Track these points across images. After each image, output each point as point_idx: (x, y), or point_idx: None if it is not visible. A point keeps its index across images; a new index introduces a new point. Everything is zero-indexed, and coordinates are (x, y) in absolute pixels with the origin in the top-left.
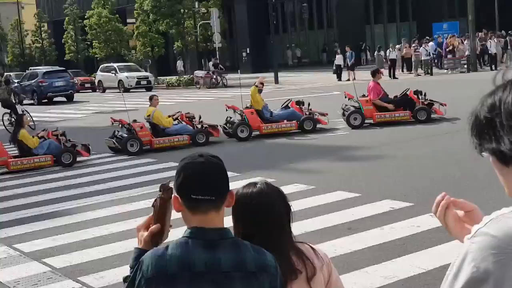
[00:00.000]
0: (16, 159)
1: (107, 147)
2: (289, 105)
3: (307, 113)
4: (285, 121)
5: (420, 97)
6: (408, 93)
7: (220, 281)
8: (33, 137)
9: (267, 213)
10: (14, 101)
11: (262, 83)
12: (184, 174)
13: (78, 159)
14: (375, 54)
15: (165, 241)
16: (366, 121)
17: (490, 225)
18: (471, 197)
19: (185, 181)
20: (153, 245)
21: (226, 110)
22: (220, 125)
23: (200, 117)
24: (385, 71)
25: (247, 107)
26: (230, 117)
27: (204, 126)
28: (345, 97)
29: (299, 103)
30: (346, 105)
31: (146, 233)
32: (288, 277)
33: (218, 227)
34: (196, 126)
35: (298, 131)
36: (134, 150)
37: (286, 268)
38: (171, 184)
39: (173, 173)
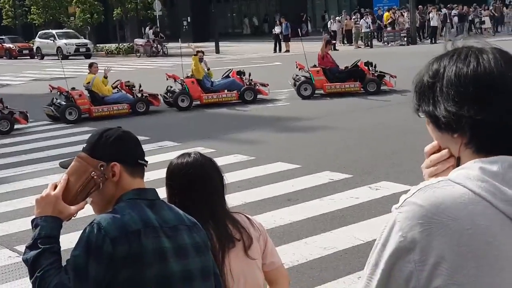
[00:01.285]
0: None
1: (45, 115)
2: (230, 75)
3: (248, 83)
4: (225, 91)
5: (370, 69)
6: (358, 64)
7: (172, 234)
8: None
9: (202, 182)
10: None
11: (202, 52)
12: (129, 141)
13: (16, 126)
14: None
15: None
16: (316, 91)
17: (418, 195)
18: (408, 169)
19: (132, 147)
20: (67, 219)
21: (167, 79)
22: (161, 94)
23: (140, 86)
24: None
25: (187, 77)
26: (171, 87)
27: (144, 95)
28: (296, 67)
29: (240, 73)
30: (297, 75)
31: (67, 206)
32: (225, 245)
33: (151, 188)
34: (136, 95)
35: (239, 102)
36: (73, 118)
37: (223, 236)
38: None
39: None
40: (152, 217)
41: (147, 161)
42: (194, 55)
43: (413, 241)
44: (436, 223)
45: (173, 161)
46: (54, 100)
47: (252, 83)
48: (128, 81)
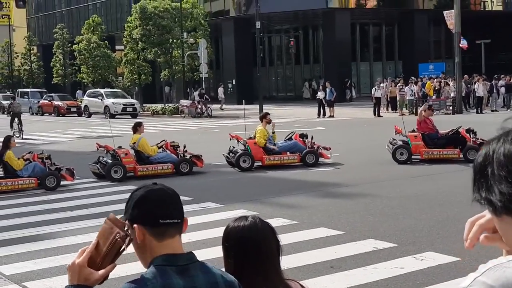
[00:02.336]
0: (1, 180)
1: (91, 173)
2: (293, 137)
3: (310, 146)
4: (288, 153)
5: (471, 136)
6: (460, 130)
7: None
8: (18, 159)
9: (259, 247)
10: None
11: (268, 113)
12: (149, 201)
13: (62, 183)
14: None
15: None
16: (413, 156)
17: (487, 274)
18: (454, 239)
19: (151, 207)
20: (99, 283)
21: (230, 139)
22: (223, 154)
23: (184, 147)
24: (370, 109)
25: (250, 138)
26: (233, 147)
27: (189, 155)
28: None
29: (303, 136)
30: (394, 139)
31: (93, 271)
32: None
33: (185, 252)
34: (181, 155)
35: (300, 164)
36: (118, 176)
37: None
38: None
39: None
40: (179, 284)
41: (177, 220)
42: (264, 118)
43: None
44: None
45: (229, 223)
46: (101, 158)
47: (315, 146)
48: (173, 141)
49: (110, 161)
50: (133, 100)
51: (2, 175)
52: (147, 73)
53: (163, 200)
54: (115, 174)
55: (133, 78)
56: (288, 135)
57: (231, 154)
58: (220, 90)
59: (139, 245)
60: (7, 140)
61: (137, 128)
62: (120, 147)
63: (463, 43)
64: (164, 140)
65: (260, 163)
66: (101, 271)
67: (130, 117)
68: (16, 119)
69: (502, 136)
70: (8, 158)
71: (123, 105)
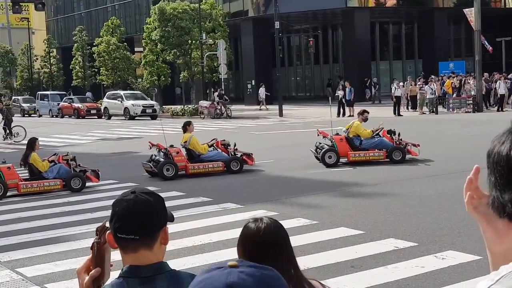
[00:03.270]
0: (26, 182)
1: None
2: (380, 133)
3: (398, 143)
4: (375, 149)
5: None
6: (381, 133)
7: None
8: (43, 160)
9: (280, 248)
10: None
11: (367, 112)
12: (112, 212)
13: (87, 184)
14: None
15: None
16: (340, 159)
17: (502, 282)
18: (475, 239)
19: (113, 219)
20: None
21: (318, 135)
22: (311, 150)
23: (235, 145)
24: (390, 108)
25: (337, 134)
26: (320, 143)
27: (240, 154)
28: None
29: (390, 132)
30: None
31: (87, 277)
32: None
33: (153, 263)
34: (231, 154)
35: (387, 161)
36: (170, 174)
37: None
38: (107, 224)
39: (174, 202)
40: None
41: (135, 236)
42: (361, 114)
43: None
44: None
45: (246, 225)
46: (153, 156)
47: (402, 143)
48: (224, 140)
49: (162, 160)
50: (153, 102)
51: (28, 177)
52: (166, 74)
53: (124, 215)
54: (167, 172)
55: (153, 79)
56: (376, 130)
57: (317, 150)
58: (261, 91)
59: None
60: (32, 142)
61: (186, 127)
62: (172, 146)
63: (488, 46)
64: (214, 138)
65: (345, 159)
66: (87, 277)
67: (149, 118)
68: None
69: (505, 133)
70: (33, 160)
71: (143, 106)
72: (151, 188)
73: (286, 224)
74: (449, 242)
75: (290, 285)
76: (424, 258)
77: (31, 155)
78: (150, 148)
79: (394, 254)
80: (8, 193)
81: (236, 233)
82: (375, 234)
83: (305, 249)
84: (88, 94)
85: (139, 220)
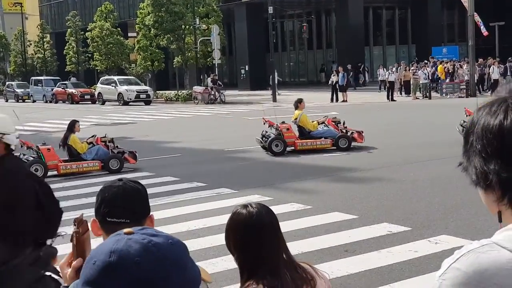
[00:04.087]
0: (66, 163)
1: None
2: (326, 122)
3: (343, 131)
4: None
5: (339, 126)
6: (326, 121)
7: None
8: (82, 142)
9: (272, 232)
10: None
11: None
12: (101, 198)
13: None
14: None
15: None
16: (287, 148)
17: (461, 261)
18: (468, 223)
19: (102, 204)
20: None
21: (264, 123)
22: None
23: (344, 123)
24: (383, 93)
25: (283, 122)
26: (266, 131)
27: (350, 131)
28: (264, 123)
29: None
30: (266, 132)
31: (69, 270)
32: (300, 287)
33: None
34: (342, 131)
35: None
36: (278, 150)
37: (298, 279)
38: (84, 217)
39: (168, 187)
40: None
41: (125, 220)
42: (299, 103)
43: None
44: None
45: (236, 210)
46: (264, 132)
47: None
48: (335, 117)
49: (273, 135)
50: (147, 87)
51: (67, 159)
52: (160, 59)
53: (114, 200)
54: (276, 148)
55: (146, 65)
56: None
57: (263, 138)
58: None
59: (103, 239)
60: (72, 124)
61: (298, 104)
62: (283, 122)
63: (484, 30)
64: (326, 116)
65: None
66: (69, 269)
67: (143, 104)
68: None
69: (488, 106)
70: (72, 142)
71: (137, 92)
72: (145, 174)
73: (280, 209)
74: (443, 227)
75: (283, 270)
76: (418, 242)
77: (71, 136)
78: (264, 123)
79: (387, 239)
80: (49, 174)
81: None
82: (368, 219)
83: (298, 234)
84: (73, 79)
85: (129, 205)
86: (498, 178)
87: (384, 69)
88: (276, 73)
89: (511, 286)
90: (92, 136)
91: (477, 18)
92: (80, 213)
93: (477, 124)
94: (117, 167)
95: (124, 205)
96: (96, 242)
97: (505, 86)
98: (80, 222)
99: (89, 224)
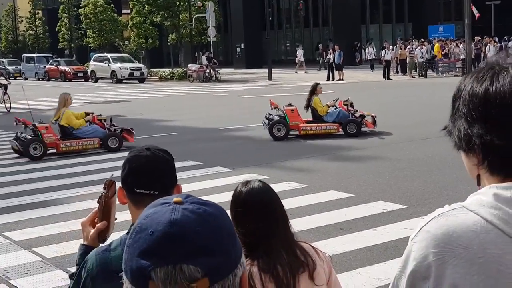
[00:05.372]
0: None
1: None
2: (337, 104)
3: (355, 115)
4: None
5: (350, 109)
6: (337, 104)
7: None
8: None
9: (272, 209)
10: None
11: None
12: (128, 167)
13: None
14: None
15: (111, 234)
16: (291, 132)
17: (431, 224)
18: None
19: (129, 174)
20: (99, 242)
21: (271, 106)
22: (262, 120)
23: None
24: (380, 72)
25: (290, 104)
26: (270, 114)
27: (359, 115)
28: (270, 106)
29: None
30: (270, 115)
31: (92, 230)
32: (296, 271)
33: None
34: (353, 115)
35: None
36: (280, 135)
37: (294, 262)
38: (114, 180)
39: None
40: None
41: (154, 192)
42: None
43: (428, 270)
44: (449, 252)
45: (237, 188)
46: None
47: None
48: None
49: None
50: (140, 65)
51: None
52: (154, 37)
53: (140, 170)
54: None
55: (140, 42)
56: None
57: (267, 120)
58: (299, 53)
59: (128, 207)
60: (65, 99)
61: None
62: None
63: (476, 12)
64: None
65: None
66: (92, 230)
67: (137, 82)
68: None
69: (475, 73)
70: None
71: (130, 69)
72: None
73: (276, 187)
74: (438, 205)
75: (280, 251)
76: (413, 220)
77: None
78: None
79: (383, 217)
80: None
81: (227, 196)
82: (364, 197)
83: (294, 212)
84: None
85: (157, 176)
86: (481, 141)
87: (374, 48)
88: (302, 49)
89: (476, 247)
90: (90, 114)
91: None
92: (109, 175)
93: (464, 89)
94: (116, 145)
95: (153, 176)
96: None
97: (494, 56)
98: (110, 185)
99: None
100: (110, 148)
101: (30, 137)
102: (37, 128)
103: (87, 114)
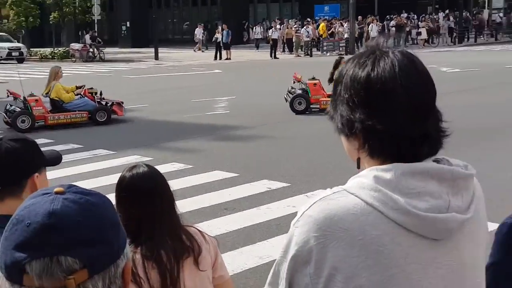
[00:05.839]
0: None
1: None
2: (81, 93)
3: (102, 102)
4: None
5: (95, 97)
6: (82, 92)
7: None
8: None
9: (159, 194)
10: None
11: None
12: None
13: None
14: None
15: None
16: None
17: (313, 208)
18: (346, 178)
19: None
20: None
21: (294, 82)
22: (284, 96)
23: (101, 93)
24: (265, 51)
25: (313, 78)
26: (293, 88)
27: (109, 103)
28: (294, 81)
29: (92, 91)
30: (293, 88)
31: None
32: (180, 257)
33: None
34: (100, 103)
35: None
36: (301, 108)
37: (179, 247)
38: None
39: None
40: None
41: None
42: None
43: (309, 254)
44: (330, 236)
45: (122, 173)
46: (290, 88)
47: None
48: (92, 88)
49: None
50: (20, 44)
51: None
52: (35, 15)
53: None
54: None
55: (20, 20)
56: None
57: (289, 94)
58: (198, 31)
59: None
60: (56, 72)
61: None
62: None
63: None
64: (83, 86)
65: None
66: None
67: (16, 62)
68: None
69: (357, 57)
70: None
71: (8, 49)
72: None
73: (161, 169)
74: (321, 182)
75: (165, 237)
76: (296, 197)
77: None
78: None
79: (267, 195)
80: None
81: (110, 179)
82: (249, 176)
83: (179, 194)
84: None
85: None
86: (362, 126)
87: (261, 27)
88: (202, 27)
89: (356, 229)
90: (80, 87)
91: None
92: None
93: (345, 74)
94: (104, 119)
95: None
96: None
97: (375, 40)
98: None
99: None
100: (98, 122)
101: (19, 109)
102: (27, 101)
103: (78, 87)
